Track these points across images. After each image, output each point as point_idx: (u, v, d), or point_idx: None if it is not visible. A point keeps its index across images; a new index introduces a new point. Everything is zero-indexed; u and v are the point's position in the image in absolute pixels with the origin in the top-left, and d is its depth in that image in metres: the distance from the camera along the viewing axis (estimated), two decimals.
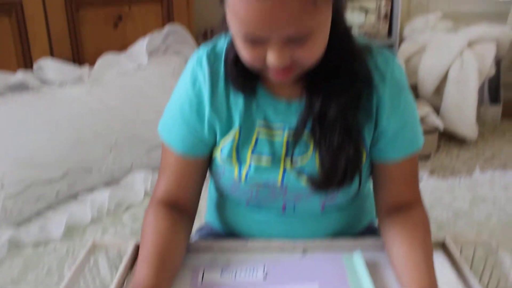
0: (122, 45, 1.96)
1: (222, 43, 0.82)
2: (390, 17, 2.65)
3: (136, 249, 0.87)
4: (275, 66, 0.68)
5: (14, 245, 1.34)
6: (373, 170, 0.87)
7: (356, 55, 0.76)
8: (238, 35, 0.68)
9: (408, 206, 0.84)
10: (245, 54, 0.70)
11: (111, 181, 1.64)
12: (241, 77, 0.78)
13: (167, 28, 2.00)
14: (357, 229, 0.98)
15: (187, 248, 0.88)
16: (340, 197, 0.86)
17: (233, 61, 0.77)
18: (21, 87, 1.69)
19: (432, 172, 1.97)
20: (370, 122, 0.79)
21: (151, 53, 1.95)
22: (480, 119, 2.49)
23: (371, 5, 2.65)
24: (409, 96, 0.82)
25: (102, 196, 1.51)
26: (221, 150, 0.83)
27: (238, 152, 0.82)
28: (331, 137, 0.76)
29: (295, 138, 0.79)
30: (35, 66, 1.72)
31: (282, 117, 0.81)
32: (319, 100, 0.75)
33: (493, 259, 0.87)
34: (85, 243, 1.36)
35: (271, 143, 0.81)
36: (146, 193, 1.60)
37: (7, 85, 1.65)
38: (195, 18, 2.23)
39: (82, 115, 1.62)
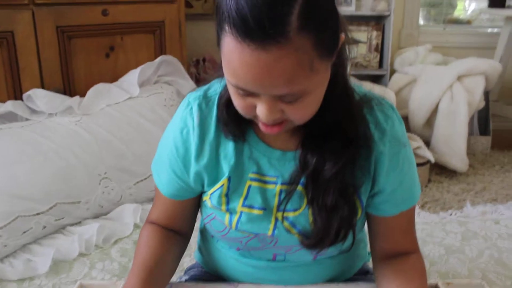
0: (114, 76, 1.95)
1: (215, 87, 0.81)
2: (381, 49, 2.70)
3: None
4: (264, 120, 0.66)
5: None
6: (369, 220, 0.86)
7: (354, 114, 0.74)
8: (230, 84, 0.67)
9: (405, 253, 0.84)
10: (236, 102, 0.69)
11: (100, 214, 1.62)
12: (233, 121, 0.76)
13: (159, 58, 2.01)
14: (350, 274, 0.97)
15: None
16: (331, 251, 0.84)
17: (225, 105, 0.76)
18: (10, 117, 1.67)
19: (423, 206, 1.97)
20: (367, 179, 0.77)
21: (143, 83, 1.95)
22: (470, 150, 2.51)
23: (362, 37, 2.69)
24: (409, 152, 0.80)
25: (91, 230, 1.48)
26: (210, 197, 0.81)
27: (228, 200, 0.80)
28: (325, 197, 0.74)
29: (288, 193, 0.76)
30: (24, 96, 1.71)
31: (276, 167, 0.78)
32: (314, 159, 0.73)
33: None
34: (72, 279, 1.32)
35: (264, 194, 0.79)
36: (135, 226, 1.57)
37: None
38: (187, 47, 2.25)
39: (71, 146, 1.60)
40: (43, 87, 1.79)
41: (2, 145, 1.52)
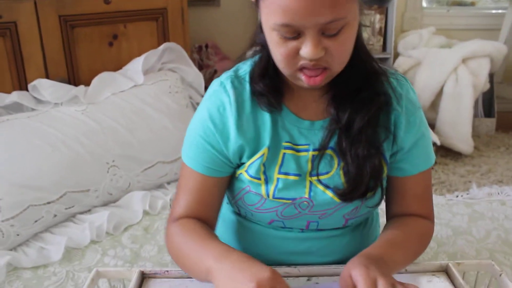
0: (117, 64, 1.95)
1: (244, 68, 0.85)
2: (384, 33, 2.68)
3: (141, 277, 0.87)
4: (310, 57, 0.70)
5: (13, 269, 1.32)
6: (389, 185, 0.90)
7: (376, 74, 0.81)
8: (274, 30, 0.70)
9: (415, 217, 0.88)
10: (280, 52, 0.72)
11: (109, 202, 1.63)
12: (268, 92, 0.81)
13: (163, 46, 2.00)
14: None
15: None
16: (363, 210, 0.88)
17: (260, 76, 0.81)
18: (16, 108, 1.67)
19: None
20: (388, 138, 0.83)
21: (147, 71, 1.94)
22: (475, 132, 2.51)
23: (365, 21, 2.67)
24: (422, 114, 0.87)
25: (101, 217, 1.50)
26: (247, 169, 0.84)
27: (265, 169, 0.83)
28: (357, 148, 0.79)
29: (320, 155, 0.82)
30: (29, 86, 1.71)
31: (306, 136, 0.83)
32: (346, 112, 0.79)
33: (495, 282, 0.87)
34: (85, 266, 1.34)
35: (297, 161, 0.83)
36: (144, 213, 1.58)
37: (1, 106, 1.64)
38: (190, 34, 2.24)
39: (78, 135, 1.61)
40: (47, 77, 1.79)
41: (9, 136, 1.53)
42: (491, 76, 2.50)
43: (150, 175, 1.72)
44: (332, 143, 0.82)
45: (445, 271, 0.89)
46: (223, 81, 0.84)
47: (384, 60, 2.70)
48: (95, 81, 1.81)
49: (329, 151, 0.82)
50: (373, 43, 2.70)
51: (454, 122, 2.28)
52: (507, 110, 2.82)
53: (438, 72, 2.32)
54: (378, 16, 2.66)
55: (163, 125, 1.78)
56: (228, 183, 0.89)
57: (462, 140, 2.28)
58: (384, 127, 0.82)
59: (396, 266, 0.81)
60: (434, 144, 2.18)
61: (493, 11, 2.95)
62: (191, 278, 0.88)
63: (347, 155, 0.80)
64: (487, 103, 2.63)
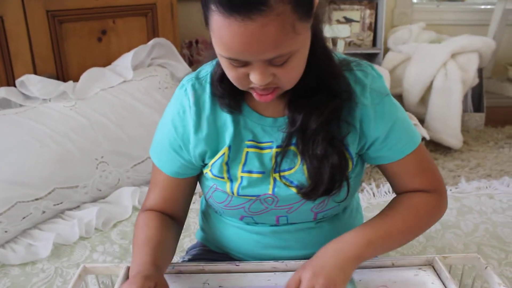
0: (106, 60, 1.94)
1: (206, 69, 0.86)
2: (374, 28, 2.69)
3: (128, 272, 0.87)
4: (258, 84, 0.71)
5: (1, 266, 1.31)
6: (381, 171, 0.92)
7: (335, 72, 0.80)
8: (222, 58, 0.72)
9: (414, 192, 0.89)
10: (230, 75, 0.74)
11: (98, 198, 1.62)
12: (227, 95, 0.81)
13: (152, 41, 1.99)
14: None
15: (179, 270, 0.88)
16: (330, 205, 0.88)
17: (220, 79, 0.81)
18: (4, 104, 1.66)
19: None
20: (353, 132, 0.83)
21: (136, 67, 1.93)
22: (464, 127, 2.52)
23: (356, 16, 2.68)
24: (392, 99, 0.86)
25: (90, 214, 1.49)
26: (211, 169, 0.85)
27: (228, 169, 0.84)
28: (314, 147, 0.80)
29: (282, 152, 0.82)
30: (17, 82, 1.69)
31: (270, 133, 0.84)
32: (301, 115, 0.79)
33: (481, 275, 0.88)
34: (74, 262, 1.34)
35: (261, 158, 0.84)
36: (134, 209, 1.58)
37: None
38: (179, 29, 2.23)
39: (67, 131, 1.60)
40: (35, 72, 1.77)
41: None
42: (480, 71, 2.51)
43: (140, 171, 1.71)
44: (294, 140, 0.82)
45: (432, 265, 0.90)
46: (185, 83, 0.86)
47: (374, 55, 2.71)
48: (84, 76, 1.80)
49: (292, 147, 0.83)
50: (363, 38, 2.71)
51: (443, 117, 2.29)
52: (496, 105, 2.84)
53: (427, 67, 2.33)
54: (368, 11, 2.67)
55: (153, 120, 1.77)
56: (196, 181, 0.92)
57: (452, 135, 2.29)
58: (346, 123, 0.81)
59: (378, 248, 0.81)
60: (423, 138, 2.19)
61: (482, 7, 2.96)
62: (178, 273, 0.88)
63: (305, 154, 0.81)
64: (476, 98, 2.64)
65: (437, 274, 0.88)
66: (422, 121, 2.33)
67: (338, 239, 0.81)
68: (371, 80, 0.82)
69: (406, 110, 2.35)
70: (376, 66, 0.87)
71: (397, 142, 0.85)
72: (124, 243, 1.42)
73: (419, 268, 0.89)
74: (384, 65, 2.52)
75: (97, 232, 1.46)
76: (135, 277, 0.72)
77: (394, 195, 0.95)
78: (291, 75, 0.73)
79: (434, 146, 2.34)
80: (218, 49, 0.70)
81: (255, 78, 0.70)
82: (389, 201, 0.92)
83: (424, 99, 2.40)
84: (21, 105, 1.67)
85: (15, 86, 1.71)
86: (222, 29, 0.66)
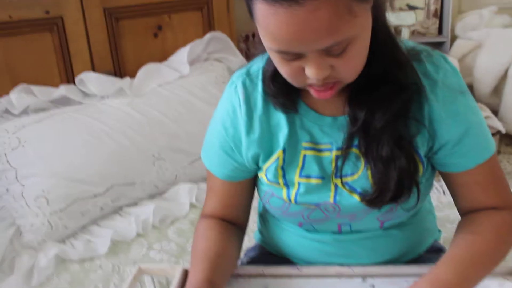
0: (162, 55, 1.93)
1: (257, 64, 0.79)
2: (440, 14, 2.52)
3: (184, 275, 0.83)
4: (315, 79, 0.62)
5: (61, 261, 1.32)
6: (446, 181, 0.81)
7: (402, 63, 0.70)
8: (272, 51, 0.64)
9: (487, 209, 0.77)
10: (284, 71, 0.66)
11: (155, 194, 1.61)
12: (281, 93, 0.74)
13: (208, 35, 1.96)
14: (420, 249, 0.91)
15: (237, 274, 0.83)
16: (398, 213, 0.78)
17: (272, 77, 0.74)
18: (64, 101, 1.68)
19: None
20: (422, 133, 0.72)
21: (193, 61, 1.91)
22: None
23: (419, 3, 2.53)
24: (468, 99, 0.75)
25: (147, 210, 1.48)
26: (266, 173, 0.78)
27: (284, 173, 0.77)
28: (379, 148, 0.70)
29: (344, 154, 0.74)
30: (76, 79, 1.71)
31: (329, 134, 0.75)
32: (363, 112, 0.70)
33: None
34: (130, 260, 1.32)
35: (320, 162, 0.76)
36: (191, 206, 1.55)
37: (50, 100, 1.65)
38: (236, 22, 2.19)
39: (124, 128, 1.59)
40: (93, 70, 1.79)
41: (57, 129, 1.53)
42: None
43: (198, 167, 1.68)
44: (356, 141, 0.73)
45: None
46: (234, 80, 0.79)
47: (440, 44, 2.54)
48: (140, 73, 1.79)
49: (354, 150, 0.74)
50: (428, 26, 2.55)
51: None
52: None
53: (501, 54, 2.16)
54: None
55: (210, 116, 1.71)
56: (254, 183, 0.85)
57: None
58: (415, 121, 0.72)
59: (473, 281, 0.70)
60: (498, 132, 2.03)
61: None
62: (237, 277, 0.83)
63: (369, 157, 0.72)
64: None
65: None
66: (496, 113, 2.16)
67: (429, 276, 0.68)
68: (444, 75, 0.73)
69: (477, 101, 2.21)
70: None
71: (471, 149, 0.74)
72: (181, 241, 1.39)
73: (505, 278, 0.79)
74: (452, 54, 2.37)
75: (154, 229, 1.44)
76: None
77: None
78: (351, 65, 0.64)
79: (510, 140, 2.17)
80: (266, 42, 0.62)
81: (311, 71, 0.62)
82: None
83: (497, 89, 2.23)
84: (80, 103, 1.69)
85: (74, 83, 1.73)
86: (267, 18, 0.58)
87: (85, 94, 1.72)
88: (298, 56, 0.62)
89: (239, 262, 0.98)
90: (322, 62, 0.61)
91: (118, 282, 1.24)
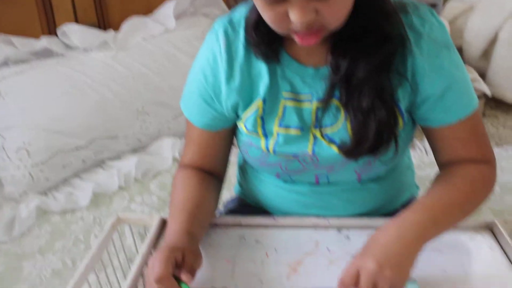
0: (148, 9, 1.88)
1: (240, 12, 0.76)
2: None
3: (162, 224, 0.84)
4: (299, 23, 0.61)
5: (42, 213, 1.32)
6: (427, 136, 0.80)
7: (388, 13, 0.68)
8: None
9: (465, 162, 0.77)
10: (267, 16, 0.64)
11: (138, 148, 1.61)
12: (263, 42, 0.72)
13: None
14: (397, 203, 0.91)
15: (215, 223, 0.84)
16: (376, 166, 0.79)
17: (254, 26, 0.72)
18: (46, 53, 1.64)
19: None
20: (404, 86, 0.72)
21: (179, 16, 1.87)
22: None
23: None
24: (453, 54, 0.73)
25: (129, 164, 1.48)
26: (245, 123, 0.77)
27: (263, 123, 0.76)
28: (360, 99, 0.69)
29: (324, 105, 0.73)
30: (59, 31, 1.67)
31: (310, 85, 0.74)
32: (346, 61, 0.69)
33: None
34: (112, 212, 1.33)
35: (299, 113, 0.75)
36: (174, 160, 1.55)
37: (31, 51, 1.62)
38: None
39: (107, 81, 1.57)
40: (76, 21, 1.74)
41: (39, 81, 1.51)
42: None
43: (181, 122, 1.67)
44: (337, 93, 0.72)
45: (491, 229, 0.81)
46: (216, 28, 0.77)
47: (433, 6, 2.51)
48: (125, 26, 1.76)
49: (335, 101, 0.73)
50: None
51: (508, 71, 2.10)
52: None
53: (493, 17, 2.12)
54: None
55: None
56: (232, 134, 0.85)
57: None
58: (397, 73, 0.70)
59: (441, 227, 0.71)
60: (485, 95, 2.03)
61: None
62: (214, 226, 0.84)
63: (350, 107, 0.71)
64: None
65: (496, 239, 0.79)
66: (483, 76, 2.16)
67: (398, 219, 0.68)
68: (429, 28, 0.71)
69: (466, 64, 2.20)
70: None
71: (453, 104, 0.74)
72: (162, 194, 1.40)
73: (476, 232, 0.80)
74: (444, 16, 2.33)
75: (136, 182, 1.44)
76: (161, 250, 0.67)
77: None
78: (336, 10, 0.62)
79: (495, 103, 2.18)
80: None
81: (295, 15, 0.60)
82: None
83: (487, 53, 2.21)
84: (62, 55, 1.65)
85: (56, 35, 1.69)
86: None
87: (68, 47, 1.69)
88: (282, 0, 0.61)
89: (218, 213, 0.99)
90: (306, 5, 0.60)
91: (98, 233, 1.25)
